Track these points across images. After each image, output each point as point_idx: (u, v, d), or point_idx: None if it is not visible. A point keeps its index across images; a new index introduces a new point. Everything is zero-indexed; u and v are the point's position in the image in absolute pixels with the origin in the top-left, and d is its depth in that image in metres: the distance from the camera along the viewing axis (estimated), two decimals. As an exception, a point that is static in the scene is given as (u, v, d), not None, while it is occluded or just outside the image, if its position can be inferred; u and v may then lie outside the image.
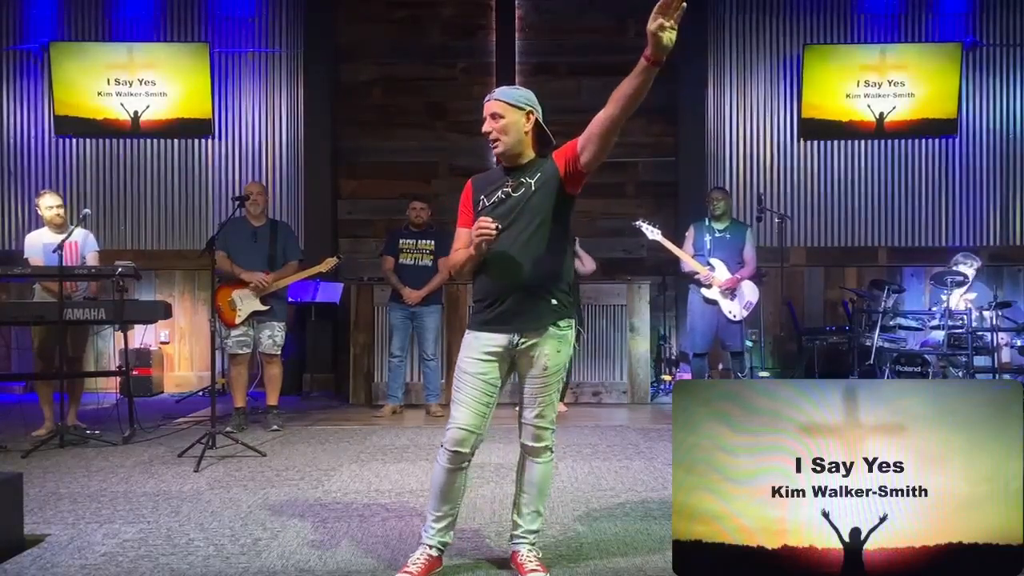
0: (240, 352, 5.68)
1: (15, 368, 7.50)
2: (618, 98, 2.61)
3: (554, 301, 2.82)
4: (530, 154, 2.88)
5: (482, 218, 2.75)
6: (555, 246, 2.83)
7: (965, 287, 6.70)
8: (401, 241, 6.33)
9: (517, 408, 2.94)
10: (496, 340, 2.81)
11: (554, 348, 2.83)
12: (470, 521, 3.52)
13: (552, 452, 2.94)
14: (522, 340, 2.81)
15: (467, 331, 2.90)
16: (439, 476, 2.87)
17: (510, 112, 2.81)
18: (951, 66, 7.91)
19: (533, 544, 2.93)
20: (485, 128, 2.85)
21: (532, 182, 2.82)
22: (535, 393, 2.85)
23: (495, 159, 2.97)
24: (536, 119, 2.85)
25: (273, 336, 5.72)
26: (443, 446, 2.85)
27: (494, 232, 2.70)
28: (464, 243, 2.88)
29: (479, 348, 2.82)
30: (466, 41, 8.17)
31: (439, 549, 2.91)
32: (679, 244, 6.42)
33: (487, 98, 2.87)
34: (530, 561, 2.87)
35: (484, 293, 2.85)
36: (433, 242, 6.28)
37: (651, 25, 2.43)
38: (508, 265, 2.79)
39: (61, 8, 8.11)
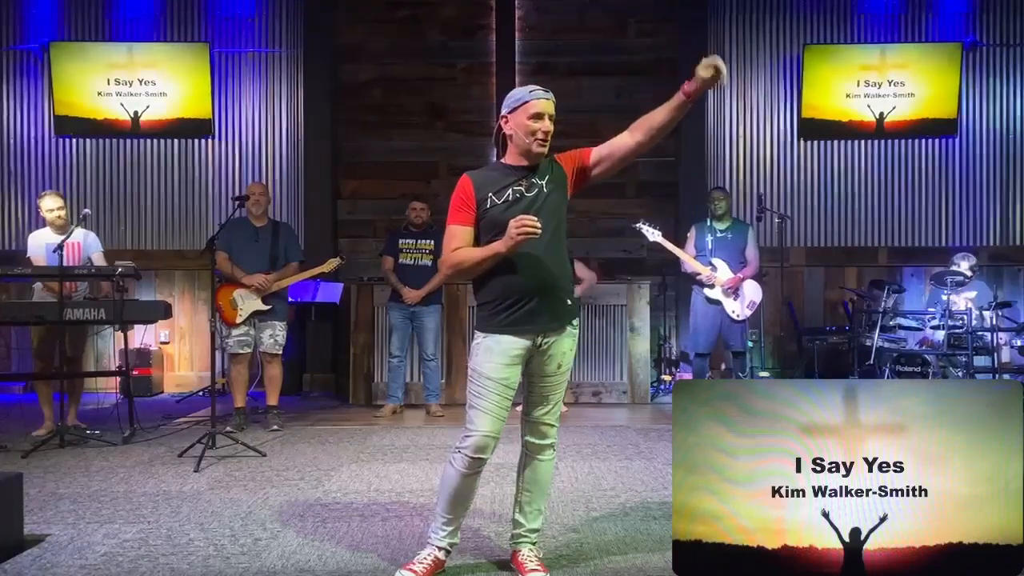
0: (241, 352, 5.68)
1: (15, 368, 7.50)
2: (647, 128, 2.72)
3: (569, 301, 2.85)
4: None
5: (525, 216, 2.65)
6: (564, 247, 2.88)
7: (965, 287, 6.69)
8: (401, 241, 6.33)
9: (520, 407, 2.94)
10: (520, 343, 2.77)
11: (569, 346, 2.86)
12: (470, 521, 3.51)
13: (555, 449, 2.95)
14: (544, 340, 2.80)
15: (484, 335, 2.80)
16: (455, 481, 2.81)
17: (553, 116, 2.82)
18: (951, 66, 7.90)
19: (534, 543, 2.94)
20: (545, 127, 2.77)
21: (543, 183, 2.80)
22: (548, 392, 2.86)
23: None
24: None
25: (275, 336, 5.72)
26: (462, 452, 2.78)
27: (540, 231, 2.64)
28: (463, 241, 2.80)
29: (504, 352, 2.76)
30: (466, 41, 8.17)
31: (447, 551, 2.92)
32: (679, 244, 6.43)
33: (542, 95, 2.79)
34: (530, 560, 2.87)
35: (506, 293, 2.77)
36: (433, 242, 6.28)
37: (705, 72, 2.60)
38: (533, 265, 2.75)
39: (61, 8, 8.11)
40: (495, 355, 2.76)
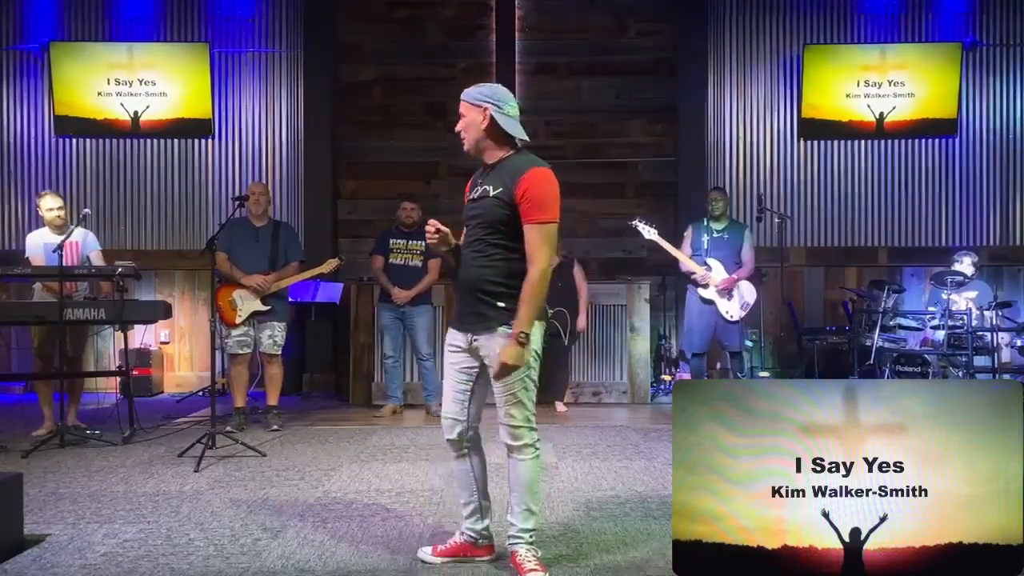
0: (240, 352, 5.68)
1: (15, 368, 7.50)
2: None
3: (501, 304, 2.81)
4: (497, 153, 2.90)
5: (431, 221, 2.96)
6: (509, 250, 2.83)
7: (965, 286, 6.69)
8: (391, 241, 6.33)
9: None
10: (456, 336, 2.96)
11: (503, 348, 2.82)
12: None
13: (535, 449, 2.91)
14: (475, 339, 2.88)
15: None
16: (451, 466, 3.10)
17: (470, 111, 2.89)
18: (951, 66, 7.90)
19: (531, 543, 2.93)
20: (456, 127, 2.96)
21: (491, 187, 2.87)
22: (499, 393, 2.88)
23: None
24: (491, 115, 2.85)
25: (274, 336, 5.72)
26: None
27: (434, 235, 2.92)
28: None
29: (448, 341, 3.01)
30: (466, 41, 8.17)
31: (471, 536, 3.02)
32: (678, 244, 6.43)
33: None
34: (528, 561, 2.87)
35: (454, 291, 3.04)
36: (423, 243, 6.28)
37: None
38: (466, 266, 2.92)
39: (61, 8, 8.11)
40: (447, 343, 3.02)
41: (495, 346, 2.81)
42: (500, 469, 4.37)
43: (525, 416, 2.87)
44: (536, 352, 2.86)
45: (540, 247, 2.77)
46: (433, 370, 6.44)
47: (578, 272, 6.62)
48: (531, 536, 2.94)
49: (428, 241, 2.97)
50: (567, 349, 6.64)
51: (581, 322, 6.58)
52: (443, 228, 2.94)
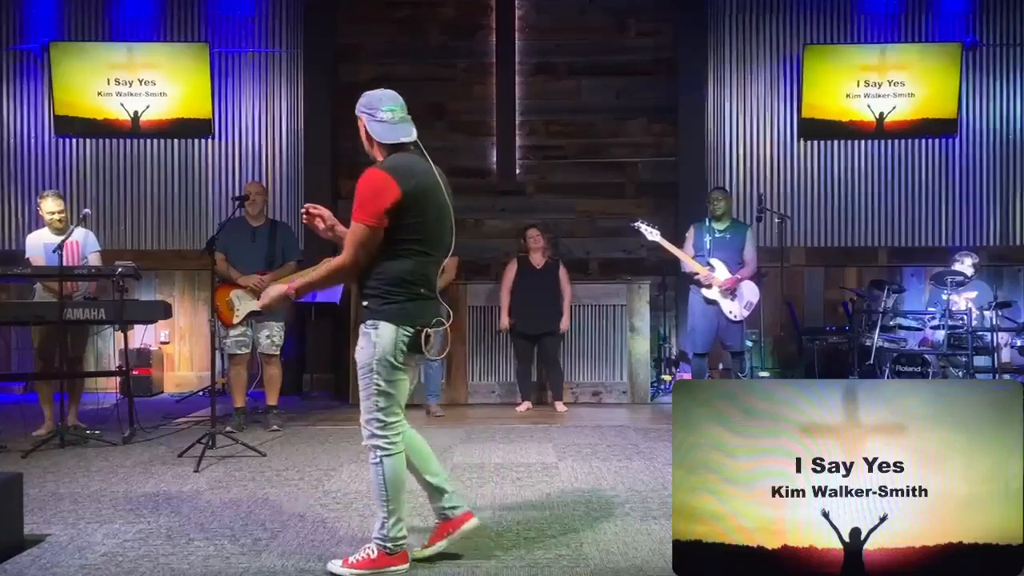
0: (239, 352, 5.68)
1: (15, 368, 7.50)
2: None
3: (365, 303, 2.92)
4: (379, 157, 2.95)
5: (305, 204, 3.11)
6: (379, 251, 2.88)
7: (965, 286, 6.70)
8: None
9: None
10: None
11: (359, 344, 2.92)
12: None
13: (378, 451, 2.90)
14: None
15: None
16: None
17: (359, 120, 2.95)
18: (951, 66, 7.90)
19: (391, 550, 2.90)
20: None
21: None
22: None
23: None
24: (364, 124, 2.92)
25: (271, 336, 5.72)
26: None
27: (302, 214, 3.05)
28: None
29: None
30: (466, 41, 8.16)
31: (443, 515, 3.04)
32: (679, 244, 6.44)
33: None
34: (354, 554, 2.91)
35: None
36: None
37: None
38: None
39: (61, 8, 8.11)
40: None
41: (359, 342, 2.91)
42: (501, 469, 4.38)
43: (367, 418, 2.91)
44: (388, 358, 2.88)
45: (347, 244, 2.85)
46: (438, 370, 6.43)
47: (563, 274, 6.63)
48: (383, 541, 2.89)
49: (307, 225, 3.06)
50: (552, 351, 6.60)
51: (564, 324, 6.57)
52: (315, 210, 3.02)
